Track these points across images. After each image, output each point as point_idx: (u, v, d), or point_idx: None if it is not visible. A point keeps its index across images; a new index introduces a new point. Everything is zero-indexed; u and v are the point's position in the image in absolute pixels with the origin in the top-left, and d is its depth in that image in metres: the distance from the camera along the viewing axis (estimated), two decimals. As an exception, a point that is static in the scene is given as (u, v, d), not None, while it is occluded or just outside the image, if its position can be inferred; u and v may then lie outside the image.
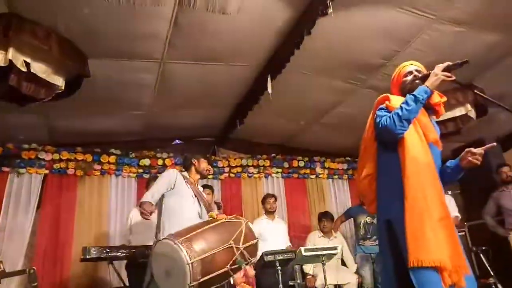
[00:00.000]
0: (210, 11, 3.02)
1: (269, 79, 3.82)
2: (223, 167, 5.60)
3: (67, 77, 3.25)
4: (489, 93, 4.24)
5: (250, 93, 4.40)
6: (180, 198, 3.01)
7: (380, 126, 1.92)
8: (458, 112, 4.35)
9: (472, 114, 4.39)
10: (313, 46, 3.45)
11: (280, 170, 5.90)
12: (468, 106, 4.37)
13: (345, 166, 6.25)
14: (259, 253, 3.16)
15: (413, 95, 1.91)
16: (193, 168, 3.30)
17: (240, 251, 2.47)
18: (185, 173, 3.29)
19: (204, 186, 4.29)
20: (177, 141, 5.63)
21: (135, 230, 3.72)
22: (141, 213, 2.77)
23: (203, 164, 3.34)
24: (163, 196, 3.03)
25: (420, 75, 2.09)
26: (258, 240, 2.64)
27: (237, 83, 4.27)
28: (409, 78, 2.11)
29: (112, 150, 5.06)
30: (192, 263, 2.24)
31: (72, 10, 2.83)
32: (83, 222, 4.63)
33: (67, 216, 4.58)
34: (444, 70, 1.94)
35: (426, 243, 1.69)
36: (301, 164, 6.03)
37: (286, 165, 5.94)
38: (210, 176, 5.47)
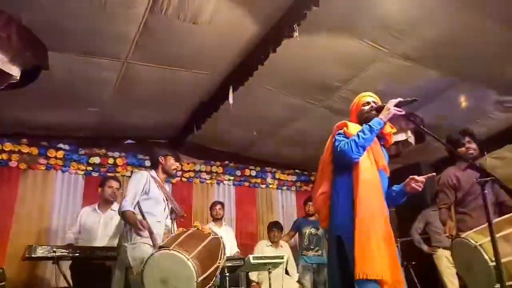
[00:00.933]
0: (181, 19, 3.08)
1: (231, 90, 3.94)
2: (176, 170, 5.57)
3: (24, 67, 3.12)
4: (428, 122, 4.74)
5: (210, 100, 4.48)
6: (152, 203, 2.84)
7: (338, 149, 2.11)
8: (400, 137, 4.74)
9: (412, 140, 4.81)
10: (276, 63, 3.62)
11: (232, 177, 6.00)
12: (409, 132, 4.79)
13: (294, 178, 6.50)
14: None
15: (369, 125, 2.12)
16: (160, 167, 3.06)
17: (219, 268, 2.81)
18: (154, 173, 3.04)
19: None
20: (129, 140, 5.54)
21: (84, 230, 3.61)
22: (137, 229, 2.63)
23: (170, 162, 3.11)
24: None
25: (376, 106, 2.30)
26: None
27: (198, 90, 4.33)
28: (367, 107, 2.33)
29: (61, 145, 4.87)
30: (197, 281, 2.47)
31: (40, 2, 2.76)
32: (23, 218, 4.39)
33: (6, 211, 4.31)
34: (396, 105, 2.15)
35: (371, 259, 1.89)
36: (253, 173, 6.18)
37: (238, 173, 6.06)
38: (162, 179, 5.44)
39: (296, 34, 3.08)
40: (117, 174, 5.09)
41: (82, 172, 4.98)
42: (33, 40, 3.06)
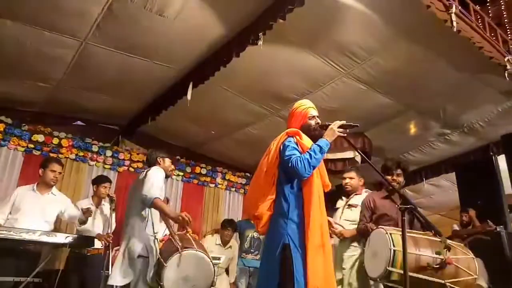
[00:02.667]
0: (147, 9, 3.04)
1: (190, 86, 3.92)
2: (124, 159, 5.45)
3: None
4: (375, 144, 5.01)
5: (168, 94, 4.43)
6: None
7: (290, 164, 2.12)
8: (348, 154, 4.97)
9: (358, 158, 5.05)
10: (238, 67, 3.67)
11: (181, 173, 5.95)
12: (356, 151, 5.02)
13: (243, 181, 6.56)
14: None
15: (319, 146, 2.17)
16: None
17: None
18: None
19: (105, 178, 4.14)
20: (79, 122, 5.32)
21: (18, 210, 3.39)
22: (183, 222, 2.73)
23: (168, 163, 3.23)
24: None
25: (320, 123, 2.34)
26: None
27: (157, 81, 4.27)
28: (313, 122, 2.35)
29: (2, 118, 4.58)
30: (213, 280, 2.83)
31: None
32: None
33: None
34: (340, 127, 2.23)
35: (319, 273, 1.99)
36: (203, 171, 6.16)
37: (188, 169, 6.02)
38: (108, 167, 5.29)
39: (260, 42, 3.15)
40: (60, 156, 4.86)
41: (23, 149, 4.70)
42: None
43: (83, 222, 3.72)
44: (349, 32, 3.27)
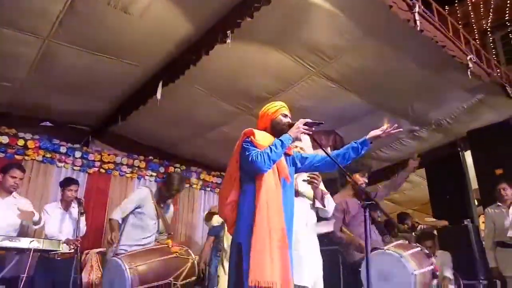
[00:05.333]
0: (111, 6, 2.97)
1: (160, 85, 3.86)
2: (94, 160, 5.32)
3: None
4: (347, 141, 5.06)
5: (138, 93, 4.35)
6: None
7: (250, 159, 2.13)
8: (321, 152, 5.01)
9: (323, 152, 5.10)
10: (208, 66, 3.64)
11: (155, 174, 5.86)
12: (329, 149, 5.07)
13: (218, 180, 6.53)
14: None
15: (281, 141, 2.19)
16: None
17: (176, 286, 3.07)
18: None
19: (70, 181, 4.02)
20: (47, 123, 5.15)
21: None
22: None
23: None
24: None
25: (289, 122, 2.36)
26: (198, 278, 3.31)
27: (125, 80, 4.18)
28: (285, 120, 2.37)
29: (-38, 118, 4.39)
30: None
31: None
32: None
33: None
34: (305, 124, 2.25)
35: (264, 267, 1.97)
36: (177, 171, 6.09)
37: (161, 169, 5.93)
38: (77, 168, 5.15)
39: (228, 41, 3.12)
40: (26, 158, 4.71)
41: (-15, 151, 4.53)
42: None
43: (36, 224, 3.64)
44: (317, 31, 3.29)
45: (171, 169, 6.02)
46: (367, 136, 2.42)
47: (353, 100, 4.30)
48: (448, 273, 3.85)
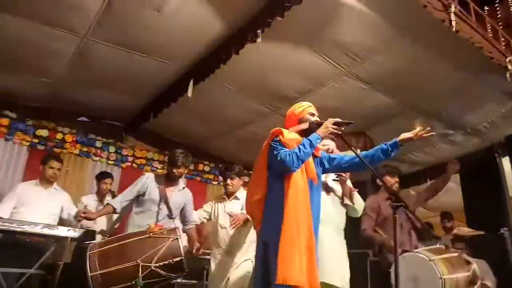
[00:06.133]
0: (146, 5, 3.07)
1: (191, 83, 3.94)
2: (128, 155, 5.51)
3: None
4: (377, 143, 4.97)
5: (170, 91, 4.46)
6: None
7: (279, 158, 2.14)
8: (350, 153, 4.94)
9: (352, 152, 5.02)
10: (239, 65, 3.68)
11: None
12: (358, 150, 5.00)
13: (246, 179, 6.57)
14: None
15: (310, 140, 2.18)
16: None
17: (149, 269, 2.52)
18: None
19: (106, 175, 4.19)
20: (83, 118, 5.38)
21: (22, 204, 3.48)
22: None
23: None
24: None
25: (317, 121, 2.35)
26: (183, 258, 2.63)
27: (157, 78, 4.30)
28: (313, 119, 2.37)
29: (7, 112, 4.66)
30: (91, 276, 2.46)
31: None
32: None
33: None
34: (334, 124, 2.23)
35: (292, 266, 1.98)
36: (207, 168, 6.19)
37: (191, 166, 6.05)
38: (111, 163, 5.35)
39: (259, 40, 3.15)
40: (64, 151, 4.94)
41: (27, 144, 4.78)
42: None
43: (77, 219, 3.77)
44: (349, 30, 3.26)
45: (200, 166, 6.13)
46: (398, 138, 2.34)
47: (384, 101, 4.22)
48: (489, 282, 3.70)
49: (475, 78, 3.76)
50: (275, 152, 2.19)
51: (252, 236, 3.28)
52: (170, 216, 3.23)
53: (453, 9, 2.81)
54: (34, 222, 3.09)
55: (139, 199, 3.26)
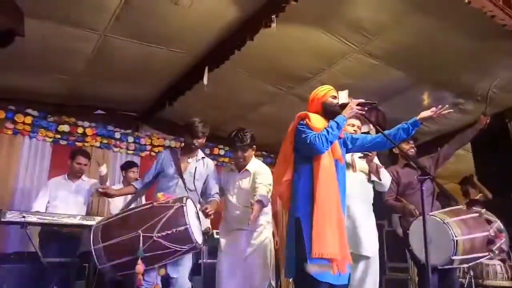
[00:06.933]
0: (163, -1, 3.14)
1: (206, 70, 4.04)
2: (146, 144, 5.66)
3: (-3, 31, 3.08)
4: (389, 116, 5.07)
5: (184, 79, 4.55)
6: None
7: (308, 141, 2.26)
8: (364, 129, 5.04)
9: (373, 132, 5.13)
10: (252, 50, 3.74)
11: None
12: (371, 125, 5.10)
13: (261, 159, 6.65)
14: None
15: (336, 122, 2.29)
16: None
17: (152, 240, 2.35)
18: None
19: (132, 164, 4.34)
20: (99, 111, 5.51)
21: (55, 199, 3.68)
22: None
23: None
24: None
25: (340, 103, 2.45)
26: (188, 227, 2.42)
27: (172, 68, 4.38)
28: (335, 101, 2.47)
29: (29, 111, 4.80)
30: (94, 248, 2.37)
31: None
32: (-14, 180, 4.36)
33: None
34: (358, 104, 2.34)
35: (326, 240, 2.14)
36: (222, 152, 6.34)
37: (207, 151, 6.19)
38: (131, 152, 5.51)
39: (273, 25, 3.22)
40: (85, 144, 5.11)
41: (50, 140, 4.95)
42: (9, 4, 3.03)
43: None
44: (360, 8, 3.31)
45: (216, 150, 6.27)
46: (418, 117, 2.47)
47: (395, 75, 4.29)
48: (504, 245, 3.88)
49: (487, 46, 3.80)
50: (304, 136, 2.31)
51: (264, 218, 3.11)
52: (185, 187, 2.93)
53: (464, -20, 2.84)
54: (72, 215, 3.29)
55: (159, 178, 3.06)
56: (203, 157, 3.14)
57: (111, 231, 2.43)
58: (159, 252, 2.38)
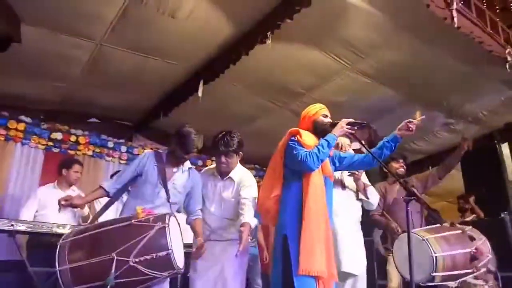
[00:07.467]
0: (160, 12, 3.19)
1: (201, 83, 4.09)
2: (139, 154, 5.64)
3: (-6, 37, 3.11)
4: (381, 134, 5.12)
5: (179, 90, 4.60)
6: None
7: (299, 159, 2.27)
8: (354, 146, 5.10)
9: (364, 150, 5.18)
10: (247, 64, 3.81)
11: (193, 167, 6.10)
12: (363, 141, 5.16)
13: (253, 173, 6.73)
14: None
15: (327, 141, 2.31)
16: None
17: (127, 265, 2.02)
18: None
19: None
20: (93, 119, 5.51)
21: (44, 207, 3.65)
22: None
23: None
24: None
25: (331, 122, 2.48)
26: (170, 252, 2.11)
27: (168, 79, 4.43)
28: (326, 120, 2.50)
29: (22, 117, 4.79)
30: (59, 270, 2.02)
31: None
32: (-24, 186, 4.32)
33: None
34: (348, 124, 2.36)
35: (314, 257, 2.14)
36: (214, 164, 6.32)
37: (200, 163, 6.20)
38: (123, 162, 5.49)
39: (269, 41, 3.29)
40: (78, 153, 5.09)
41: (43, 147, 4.92)
42: (6, 10, 3.07)
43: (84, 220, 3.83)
44: (353, 28, 3.40)
45: (209, 162, 6.27)
46: (396, 131, 2.42)
47: (386, 93, 4.38)
48: (490, 265, 3.89)
49: (475, 70, 3.91)
50: (295, 152, 2.32)
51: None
52: (168, 199, 2.60)
53: (455, 6, 2.94)
54: (62, 224, 3.25)
55: (136, 181, 2.65)
56: (189, 168, 2.81)
57: (81, 250, 2.08)
58: (134, 278, 2.06)
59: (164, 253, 2.09)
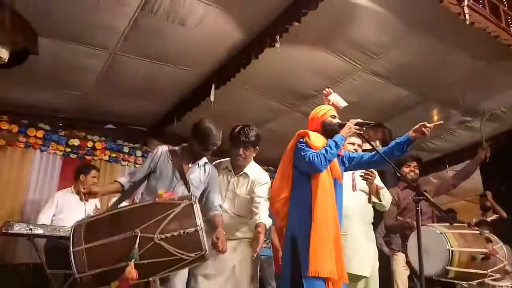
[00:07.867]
0: (170, 21, 3.25)
1: (213, 88, 4.13)
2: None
3: (13, 50, 3.22)
4: (396, 134, 5.06)
5: (192, 96, 4.66)
6: None
7: (307, 160, 2.28)
8: (366, 146, 5.05)
9: (378, 148, 5.13)
10: (257, 68, 3.83)
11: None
12: (377, 142, 5.10)
13: (269, 174, 6.74)
14: None
15: (335, 141, 2.32)
16: None
17: (152, 242, 1.85)
18: None
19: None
20: (109, 125, 5.63)
21: (61, 211, 3.76)
22: None
23: None
24: None
25: (339, 123, 2.49)
26: (199, 229, 1.94)
27: (181, 85, 4.49)
28: (335, 121, 2.51)
29: (41, 125, 4.94)
30: (73, 251, 1.85)
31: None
32: (-2, 192, 4.48)
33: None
34: (356, 124, 2.37)
35: (323, 258, 2.15)
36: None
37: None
38: (139, 166, 5.58)
39: (278, 45, 3.30)
40: (95, 158, 5.22)
41: (61, 153, 5.06)
42: (24, 25, 3.17)
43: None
44: (363, 29, 3.37)
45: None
46: (410, 133, 2.38)
47: (401, 93, 4.32)
48: (509, 267, 3.80)
49: (491, 65, 3.81)
50: (303, 153, 2.34)
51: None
52: (189, 190, 2.46)
53: (466, 2, 2.88)
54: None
55: (150, 177, 2.55)
56: (205, 163, 2.66)
57: (99, 230, 1.90)
58: (160, 259, 1.86)
59: (192, 229, 1.92)
